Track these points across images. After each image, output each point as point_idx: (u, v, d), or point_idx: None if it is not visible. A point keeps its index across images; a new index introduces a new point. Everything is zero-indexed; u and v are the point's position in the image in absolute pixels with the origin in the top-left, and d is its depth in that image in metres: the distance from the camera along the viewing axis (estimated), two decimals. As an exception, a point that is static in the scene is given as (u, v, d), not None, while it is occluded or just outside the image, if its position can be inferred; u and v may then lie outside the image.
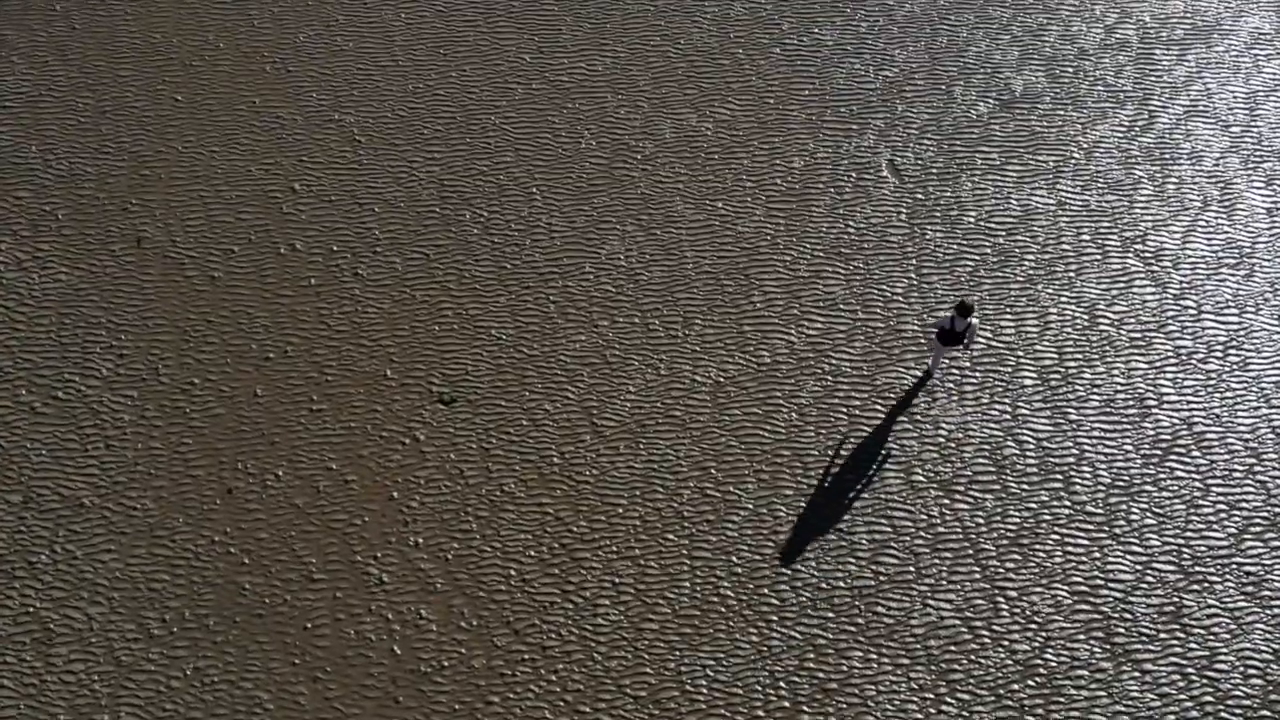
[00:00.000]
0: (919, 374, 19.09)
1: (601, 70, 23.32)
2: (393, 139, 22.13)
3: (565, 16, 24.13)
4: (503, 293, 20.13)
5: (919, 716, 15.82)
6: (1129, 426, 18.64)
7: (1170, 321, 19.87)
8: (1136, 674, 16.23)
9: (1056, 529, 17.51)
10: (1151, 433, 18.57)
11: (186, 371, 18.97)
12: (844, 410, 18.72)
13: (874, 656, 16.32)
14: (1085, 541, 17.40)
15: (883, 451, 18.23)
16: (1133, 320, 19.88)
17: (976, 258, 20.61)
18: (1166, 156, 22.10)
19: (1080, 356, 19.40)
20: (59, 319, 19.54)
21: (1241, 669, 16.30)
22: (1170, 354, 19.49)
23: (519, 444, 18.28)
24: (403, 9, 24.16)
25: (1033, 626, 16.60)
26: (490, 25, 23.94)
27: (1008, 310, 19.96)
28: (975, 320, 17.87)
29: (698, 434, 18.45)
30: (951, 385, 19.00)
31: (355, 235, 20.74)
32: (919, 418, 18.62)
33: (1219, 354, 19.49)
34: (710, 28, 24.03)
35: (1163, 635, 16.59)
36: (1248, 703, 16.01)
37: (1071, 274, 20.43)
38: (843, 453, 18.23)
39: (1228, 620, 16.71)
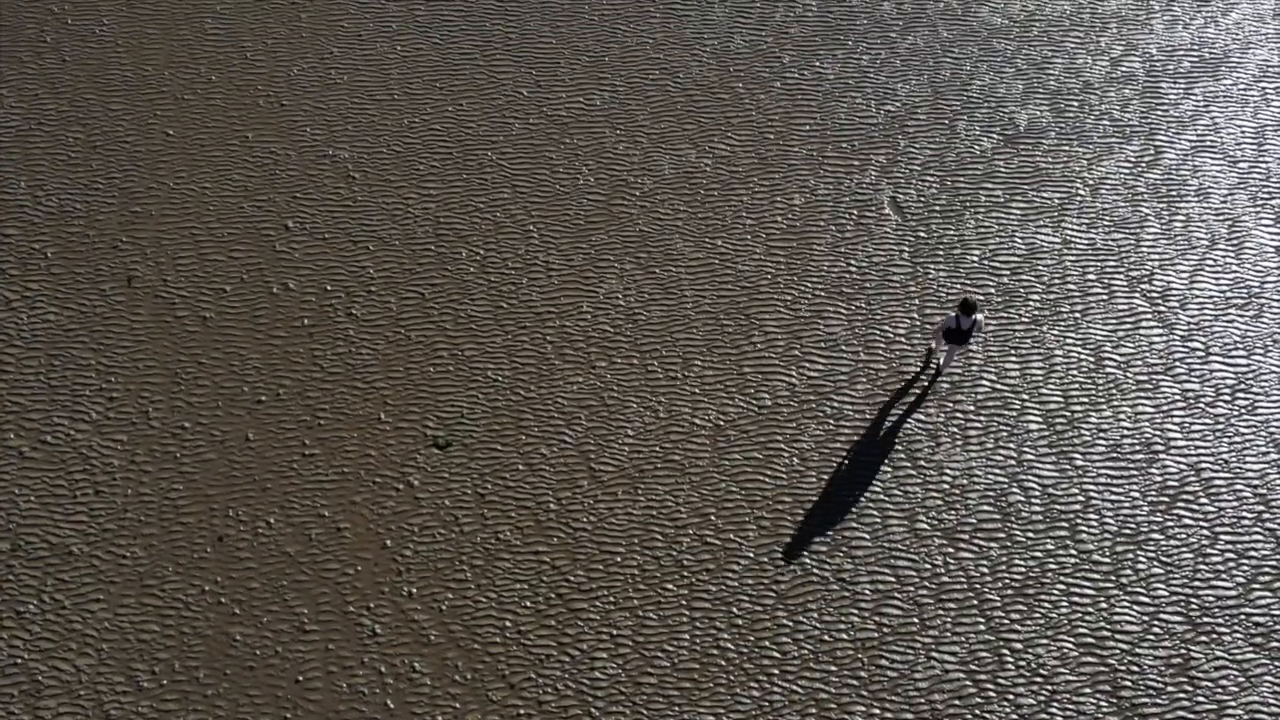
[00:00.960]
0: (922, 416, 19.12)
1: (599, 105, 23.41)
2: (388, 175, 22.20)
3: (563, 50, 24.24)
4: (499, 333, 20.17)
5: (922, 774, 15.83)
6: (1136, 472, 18.66)
7: (1178, 363, 19.91)
8: (1144, 729, 16.24)
9: (1063, 578, 17.52)
10: (1159, 479, 18.60)
11: (177, 415, 18.99)
12: (846, 456, 18.74)
13: (877, 712, 16.32)
14: (1092, 591, 17.41)
15: (886, 498, 18.25)
16: (1139, 362, 19.92)
17: (980, 297, 20.66)
18: (1173, 193, 22.18)
19: (1086, 400, 19.44)
20: (48, 360, 19.57)
21: (1251, 724, 16.32)
22: (1178, 397, 19.52)
23: (515, 490, 18.29)
24: (399, 42, 24.26)
25: (1038, 680, 16.60)
26: (487, 59, 24.05)
27: (1012, 352, 19.99)
28: (980, 316, 17.96)
29: (697, 479, 18.47)
30: (956, 430, 19.03)
31: (349, 274, 20.79)
32: (923, 463, 18.65)
33: (1227, 397, 19.52)
34: (710, 61, 24.14)
35: (1170, 689, 16.59)
36: (1258, 759, 16.03)
37: (1077, 314, 20.48)
38: (845, 498, 18.25)
39: (1236, 673, 16.72)
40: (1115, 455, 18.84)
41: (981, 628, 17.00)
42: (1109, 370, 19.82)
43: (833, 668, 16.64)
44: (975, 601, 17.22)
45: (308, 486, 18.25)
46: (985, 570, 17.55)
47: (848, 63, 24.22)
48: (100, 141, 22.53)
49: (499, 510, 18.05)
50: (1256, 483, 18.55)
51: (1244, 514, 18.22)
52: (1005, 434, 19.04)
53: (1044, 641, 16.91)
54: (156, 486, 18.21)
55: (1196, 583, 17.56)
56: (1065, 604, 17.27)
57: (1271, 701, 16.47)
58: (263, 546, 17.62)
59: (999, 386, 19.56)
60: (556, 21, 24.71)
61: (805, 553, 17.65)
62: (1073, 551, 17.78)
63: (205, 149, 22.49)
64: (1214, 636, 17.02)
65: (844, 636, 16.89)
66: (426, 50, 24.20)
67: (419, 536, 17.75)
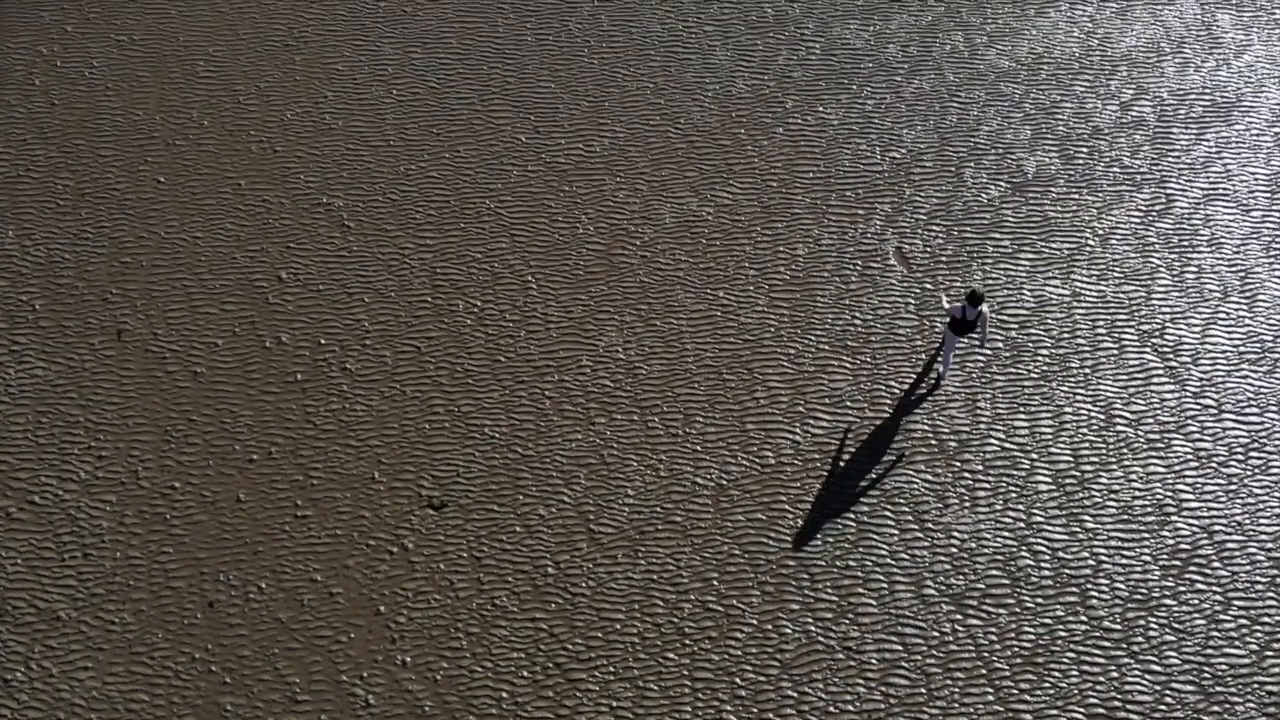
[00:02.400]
0: (930, 476, 19.22)
1: (599, 151, 23.58)
2: (383, 224, 22.34)
3: (562, 95, 24.42)
4: (496, 388, 20.27)
5: None
6: (1147, 535, 18.74)
7: (1190, 421, 20.01)
8: (1157, 806, 16.28)
9: (1073, 646, 17.58)
10: (1171, 541, 18.68)
11: (167, 475, 19.08)
12: (852, 517, 18.82)
13: (883, 786, 16.37)
14: (1102, 659, 17.47)
15: (893, 561, 18.32)
16: (1151, 420, 20.02)
17: (988, 352, 20.77)
18: (1184, 243, 22.33)
19: (1097, 459, 19.53)
20: (35, 417, 19.66)
21: (1266, 800, 16.36)
22: (1190, 456, 19.62)
23: (512, 553, 18.37)
24: (394, 86, 24.44)
25: (1048, 753, 16.66)
26: (485, 104, 24.22)
27: (1021, 409, 20.10)
28: (986, 308, 18.16)
29: (699, 541, 18.55)
30: (964, 490, 19.12)
31: (344, 327, 20.90)
32: (930, 525, 18.73)
33: (1240, 456, 19.62)
34: (711, 106, 24.32)
35: (1184, 762, 16.65)
36: (1273, 837, 16.06)
37: (1087, 370, 20.59)
38: (850, 563, 18.32)
39: (1252, 746, 16.78)
40: (1126, 517, 18.93)
41: (990, 698, 17.05)
42: (1120, 428, 19.92)
43: (838, 740, 16.70)
44: (984, 671, 17.28)
45: (300, 549, 18.33)
46: (994, 638, 17.62)
47: (852, 108, 24.40)
48: (89, 189, 22.69)
49: (495, 574, 18.12)
50: (1270, 545, 18.63)
51: (1258, 578, 18.30)
52: (1014, 495, 19.13)
53: (1054, 713, 16.96)
54: (146, 549, 18.29)
55: (1209, 650, 17.62)
56: (1075, 673, 17.33)
57: (1287, 776, 16.53)
58: (254, 612, 17.68)
59: (1008, 445, 19.66)
60: (555, 66, 24.90)
61: (810, 620, 17.72)
62: (1083, 618, 17.84)
63: (197, 197, 22.65)
64: (1227, 706, 17.08)
65: (850, 708, 16.94)
66: (423, 95, 24.38)
67: (413, 602, 17.81)
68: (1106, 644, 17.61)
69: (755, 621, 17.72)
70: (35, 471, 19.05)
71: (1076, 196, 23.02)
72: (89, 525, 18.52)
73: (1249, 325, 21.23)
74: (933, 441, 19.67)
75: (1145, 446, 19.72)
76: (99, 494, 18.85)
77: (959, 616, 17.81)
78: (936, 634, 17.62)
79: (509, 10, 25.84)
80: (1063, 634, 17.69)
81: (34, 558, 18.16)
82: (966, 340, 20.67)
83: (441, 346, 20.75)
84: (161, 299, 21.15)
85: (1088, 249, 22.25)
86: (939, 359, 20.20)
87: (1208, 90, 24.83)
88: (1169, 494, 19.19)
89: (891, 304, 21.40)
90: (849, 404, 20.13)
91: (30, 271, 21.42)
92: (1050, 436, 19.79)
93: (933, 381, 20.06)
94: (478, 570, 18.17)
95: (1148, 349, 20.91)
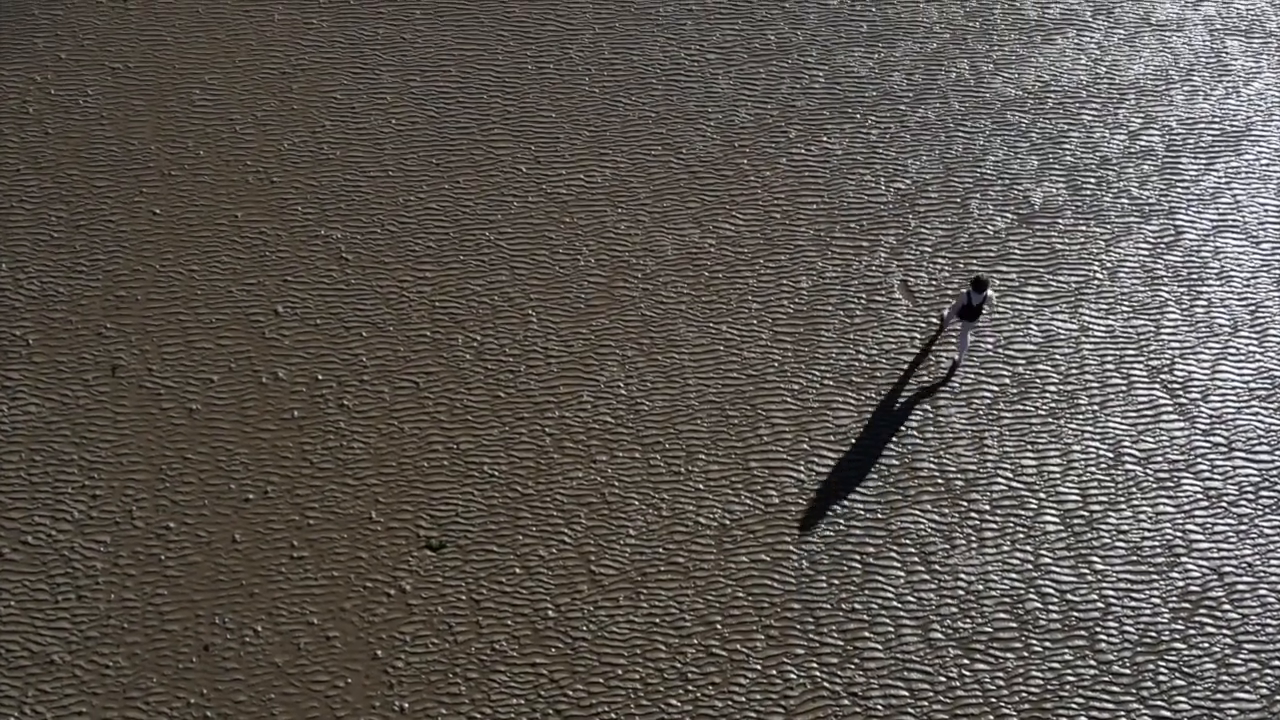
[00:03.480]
0: (937, 516, 19.25)
1: (600, 182, 23.66)
2: (382, 256, 22.41)
3: (563, 124, 24.51)
4: (496, 424, 20.32)
5: None
6: (1157, 576, 18.77)
7: (1199, 460, 20.05)
8: None
9: (1081, 691, 17.59)
10: (1180, 583, 18.70)
11: (162, 514, 19.12)
12: (858, 558, 18.85)
13: (888, 837, 16.37)
14: (1111, 705, 17.48)
15: (899, 604, 18.34)
16: (1160, 458, 20.06)
17: (995, 388, 20.82)
18: (1194, 276, 22.39)
19: (1105, 499, 19.57)
20: (29, 455, 19.71)
21: None
22: (1199, 495, 19.65)
23: (511, 595, 18.39)
24: (393, 115, 24.54)
25: (1057, 802, 16.66)
26: (485, 134, 24.31)
27: (1029, 447, 20.14)
28: (992, 292, 18.40)
29: (702, 583, 18.58)
30: (971, 530, 19.16)
31: (341, 362, 20.96)
32: (937, 566, 18.76)
33: (1250, 495, 19.65)
34: (714, 136, 24.40)
35: (1195, 812, 16.65)
36: None
37: (1095, 407, 20.64)
38: (856, 606, 18.34)
39: (1263, 795, 16.78)
40: (1135, 558, 18.95)
41: (997, 745, 17.07)
42: (1128, 467, 19.96)
43: (843, 789, 16.71)
44: (991, 717, 17.29)
45: (296, 591, 18.36)
46: (1001, 683, 17.63)
47: (856, 137, 24.49)
48: (84, 221, 22.77)
49: (494, 618, 18.14)
50: (1282, 588, 18.67)
51: (1268, 620, 18.32)
52: (1022, 535, 19.16)
53: (1062, 760, 16.97)
54: (140, 591, 18.32)
55: (1219, 695, 17.63)
56: (1084, 718, 17.33)
57: (1300, 826, 16.53)
58: (250, 656, 17.70)
59: (1015, 484, 19.69)
60: (556, 94, 25.00)
61: (815, 664, 17.73)
62: (1091, 662, 17.86)
63: (192, 229, 22.72)
64: (1239, 754, 17.10)
65: (854, 755, 16.96)
66: (422, 124, 24.47)
67: (411, 646, 17.83)
68: (1115, 689, 17.63)
69: (759, 667, 17.74)
70: (29, 511, 19.09)
71: (1084, 228, 23.10)
72: (83, 566, 18.56)
73: (1259, 360, 21.28)
74: (939, 480, 19.71)
75: (1154, 485, 19.76)
76: (93, 534, 18.89)
77: (966, 661, 17.82)
78: (943, 679, 17.63)
79: (509, 38, 25.96)
80: (1071, 679, 17.71)
81: (28, 599, 18.19)
82: (972, 336, 21.05)
83: (440, 382, 20.80)
84: (156, 334, 21.21)
85: (1096, 282, 22.32)
86: (954, 343, 21.00)
87: (1217, 119, 24.92)
88: (1178, 534, 19.22)
89: (897, 338, 21.46)
90: (854, 441, 20.17)
91: (24, 305, 21.49)
92: (1058, 475, 19.83)
93: (946, 371, 20.76)
94: (476, 613, 18.19)
95: (1157, 385, 20.96)
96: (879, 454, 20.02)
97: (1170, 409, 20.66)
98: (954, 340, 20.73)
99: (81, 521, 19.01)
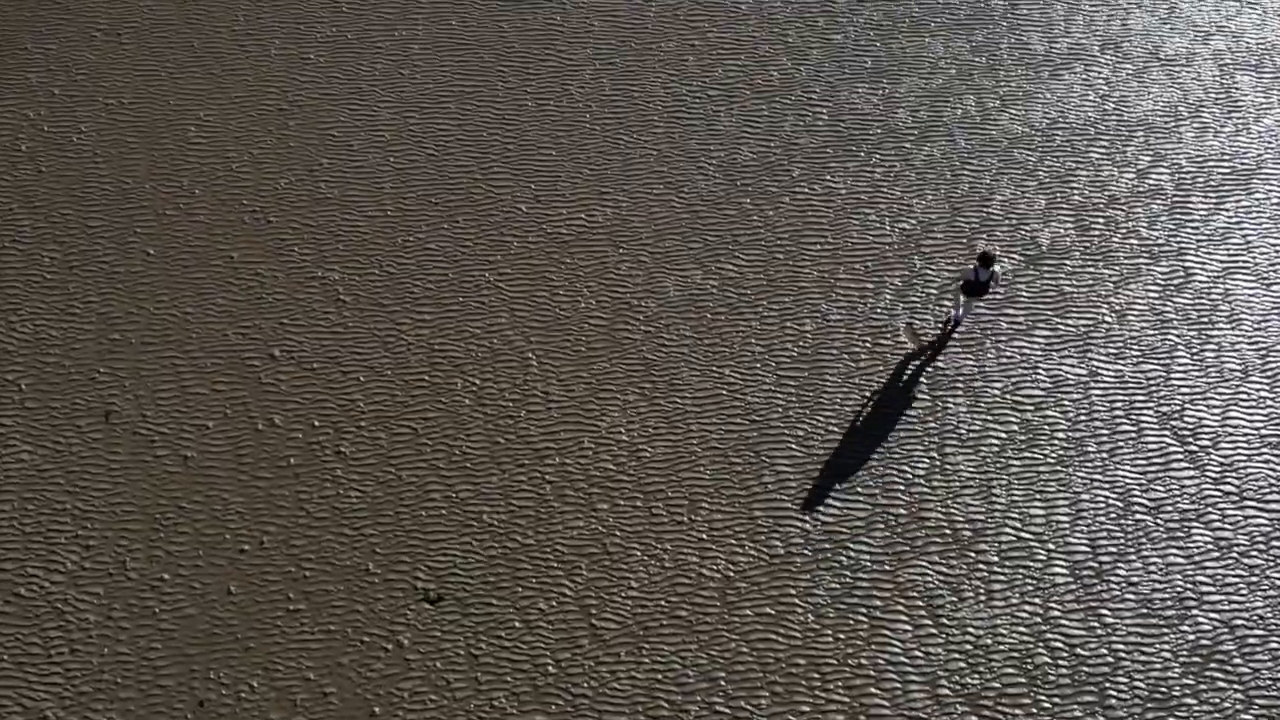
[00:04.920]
0: (944, 569, 19.31)
1: (601, 221, 23.77)
2: (380, 298, 22.51)
3: (563, 163, 24.63)
4: (495, 471, 20.39)
5: None
6: (1167, 629, 18.82)
7: (1210, 509, 20.12)
8: None
9: (1091, 749, 17.65)
10: (1191, 636, 18.76)
11: (156, 565, 19.18)
12: (864, 611, 18.91)
13: None
14: (1122, 764, 17.53)
15: (907, 660, 18.39)
16: (1170, 507, 20.13)
17: (1003, 435, 20.90)
18: (1204, 319, 22.48)
19: (1115, 549, 19.64)
20: (21, 504, 19.78)
21: None
22: (1210, 545, 19.72)
23: (511, 650, 18.44)
24: (391, 154, 24.66)
25: None
26: (484, 172, 24.43)
27: (1037, 495, 20.21)
28: (998, 269, 18.63)
29: (705, 638, 18.63)
30: (979, 583, 19.22)
31: (338, 408, 21.04)
32: (945, 620, 18.81)
33: (1262, 545, 19.73)
34: (716, 175, 24.52)
35: None
36: None
37: (1104, 454, 20.71)
38: (863, 661, 18.39)
39: None
40: (1145, 611, 19.02)
41: (1006, 806, 17.10)
42: (1138, 516, 20.03)
43: None
44: (999, 776, 17.34)
45: (292, 646, 18.40)
46: (1009, 741, 17.69)
47: (860, 176, 24.61)
48: (77, 261, 22.86)
49: (493, 673, 18.19)
50: (1295, 642, 18.73)
51: (1282, 676, 18.39)
52: (1031, 587, 19.22)
53: (1072, 821, 17.01)
54: (134, 645, 18.37)
55: (1233, 753, 17.69)
56: (1094, 778, 17.39)
57: None
58: (246, 713, 17.75)
59: (1023, 534, 19.77)
60: (556, 132, 25.13)
61: (819, 722, 17.79)
62: (1101, 718, 17.90)
63: (187, 269, 22.82)
64: (1252, 814, 17.13)
65: (860, 817, 16.99)
66: (421, 162, 24.59)
67: (409, 703, 17.88)
68: (1126, 747, 17.68)
69: (763, 724, 17.79)
70: (21, 562, 19.15)
71: (1092, 269, 23.21)
72: (76, 619, 18.61)
73: (1270, 406, 21.36)
74: (947, 531, 19.78)
75: (1164, 536, 19.83)
76: (86, 586, 18.95)
77: (974, 718, 17.87)
78: (950, 737, 17.69)
79: (509, 74, 26.10)
80: (1081, 737, 17.77)
81: (20, 653, 18.24)
82: (975, 308, 21.83)
83: (439, 428, 20.88)
84: (151, 378, 21.30)
85: (1104, 325, 22.42)
86: (957, 312, 22.06)
87: (1227, 156, 25.05)
88: (1189, 586, 19.29)
89: (903, 382, 21.54)
90: (860, 490, 20.25)
91: (16, 349, 21.58)
92: (1067, 525, 19.90)
93: (951, 323, 21.91)
94: (475, 669, 18.24)
95: (1166, 432, 21.04)
96: (886, 503, 20.09)
97: (1180, 456, 20.74)
98: (957, 312, 22.01)
99: (75, 572, 19.07)
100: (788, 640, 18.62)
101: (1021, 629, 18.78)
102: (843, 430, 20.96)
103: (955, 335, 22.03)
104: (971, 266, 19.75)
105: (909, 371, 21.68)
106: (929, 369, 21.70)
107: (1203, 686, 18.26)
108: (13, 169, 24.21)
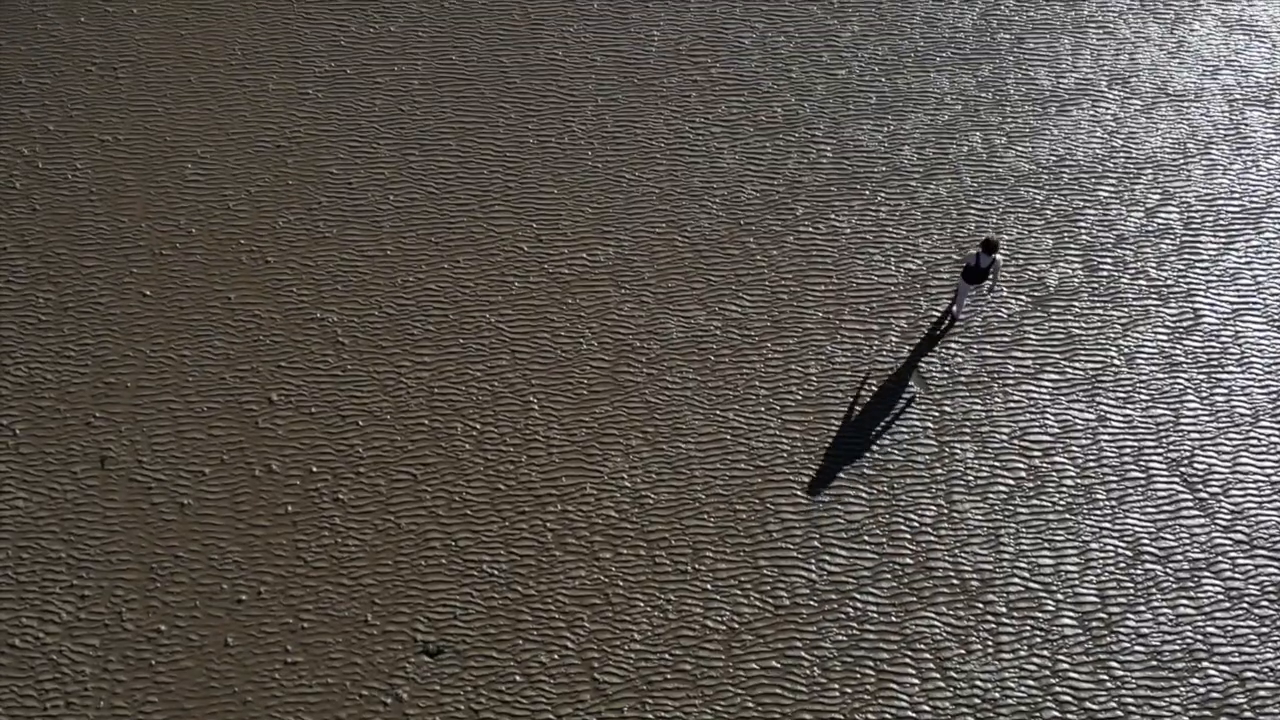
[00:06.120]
0: (952, 619, 19.36)
1: (604, 261, 23.86)
2: (379, 340, 22.58)
3: (565, 201, 24.73)
4: (496, 519, 20.44)
5: None
6: (1177, 682, 18.86)
7: (1220, 558, 20.17)
8: None
9: (1101, 807, 17.67)
10: (1201, 689, 18.79)
11: (152, 616, 19.21)
12: (871, 664, 18.94)
13: None
14: (1133, 822, 17.55)
15: (914, 715, 18.42)
16: (1180, 556, 20.19)
17: (1011, 482, 20.96)
18: (1213, 362, 22.56)
19: (1124, 600, 19.69)
20: (16, 552, 19.82)
21: None
22: (1220, 596, 19.77)
23: (512, 705, 18.47)
24: (391, 192, 24.75)
25: None
26: (485, 211, 24.52)
27: (1045, 544, 20.26)
28: (999, 257, 18.85)
29: (710, 692, 18.66)
30: (987, 634, 19.26)
31: (337, 453, 21.09)
32: (953, 673, 18.85)
33: (1273, 595, 19.77)
34: (719, 213, 24.62)
35: None
36: None
37: (1113, 502, 20.78)
38: (870, 715, 18.42)
39: None
40: (1155, 663, 19.06)
41: None
42: (1148, 565, 20.09)
43: None
44: (1008, 835, 17.36)
45: (290, 699, 18.43)
46: (1018, 799, 17.71)
47: (865, 215, 24.71)
48: (72, 303, 22.93)
49: (497, 728, 18.23)
50: (1308, 696, 18.77)
51: (1295, 731, 18.42)
52: (1039, 639, 19.26)
53: None
54: (130, 699, 18.39)
55: (1245, 810, 17.71)
56: (1105, 836, 17.41)
57: None
58: (243, 769, 17.77)
59: (1032, 584, 19.81)
60: (558, 170, 25.23)
61: (825, 779, 17.81)
62: (1112, 775, 17.95)
63: (184, 311, 22.89)
64: None
65: None
66: (421, 200, 24.68)
67: (411, 759, 17.91)
68: (1137, 805, 17.70)
69: (768, 781, 17.82)
70: (16, 612, 19.18)
71: (1101, 311, 23.29)
72: (71, 671, 18.64)
73: (1282, 452, 21.45)
74: (954, 581, 19.83)
75: (1174, 586, 19.88)
76: (82, 637, 18.98)
77: (982, 775, 17.91)
78: (958, 795, 17.71)
79: (510, 111, 26.21)
80: (1091, 794, 17.79)
81: (15, 705, 18.26)
82: (976, 290, 22.11)
83: (438, 474, 20.93)
84: (147, 423, 21.35)
85: (1113, 368, 22.49)
86: (953, 307, 22.69)
87: (1236, 194, 25.16)
88: (1199, 637, 19.34)
89: (910, 428, 21.61)
90: (866, 538, 20.30)
91: (10, 393, 21.63)
92: (1076, 575, 19.95)
93: (947, 324, 22.30)
94: (477, 723, 18.28)
95: (1176, 478, 21.10)
96: (893, 552, 20.15)
97: (1190, 503, 20.80)
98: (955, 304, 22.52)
99: (70, 623, 19.10)
100: (794, 694, 18.66)
101: (1030, 682, 18.83)
102: (848, 476, 21.02)
103: (961, 375, 22.12)
104: (974, 252, 20.63)
105: (915, 415, 21.75)
106: (935, 414, 21.77)
107: (1214, 741, 18.31)
108: (7, 207, 24.29)
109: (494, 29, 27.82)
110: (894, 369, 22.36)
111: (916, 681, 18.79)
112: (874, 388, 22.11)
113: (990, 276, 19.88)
